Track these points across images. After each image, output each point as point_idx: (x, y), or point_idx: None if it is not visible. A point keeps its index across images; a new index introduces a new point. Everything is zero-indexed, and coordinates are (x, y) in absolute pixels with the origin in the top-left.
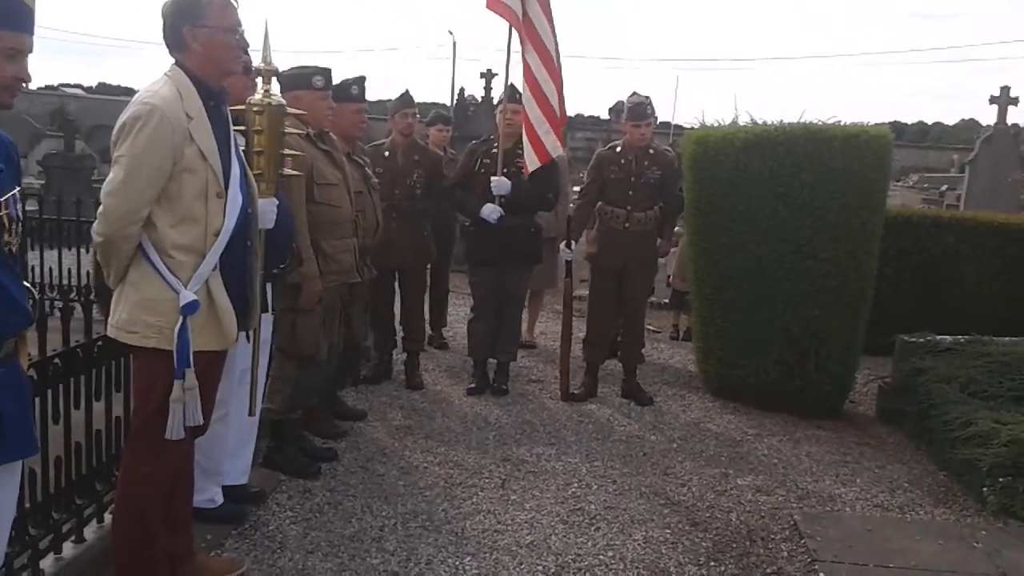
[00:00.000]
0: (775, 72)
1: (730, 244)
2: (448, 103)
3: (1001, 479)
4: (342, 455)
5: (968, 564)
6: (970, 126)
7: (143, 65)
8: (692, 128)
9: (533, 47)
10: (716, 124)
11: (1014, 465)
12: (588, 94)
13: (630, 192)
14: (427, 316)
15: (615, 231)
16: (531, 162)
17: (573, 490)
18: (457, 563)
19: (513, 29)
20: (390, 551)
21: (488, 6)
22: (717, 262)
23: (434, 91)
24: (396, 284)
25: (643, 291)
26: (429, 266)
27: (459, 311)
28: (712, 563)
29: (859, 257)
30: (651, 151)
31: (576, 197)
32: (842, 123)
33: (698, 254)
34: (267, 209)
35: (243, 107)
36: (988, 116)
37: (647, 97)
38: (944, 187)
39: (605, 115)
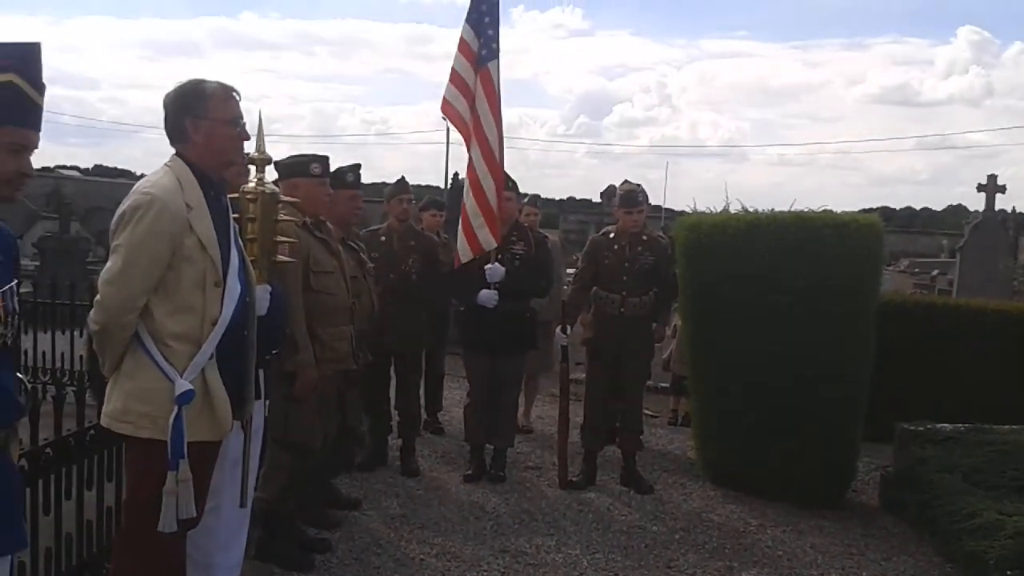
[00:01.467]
0: (761, 160)
1: (725, 332)
2: (442, 187)
3: (1009, 572)
4: (336, 546)
5: None
6: (958, 211)
7: (141, 148)
8: (685, 214)
9: (477, 142)
10: (709, 211)
11: (1020, 558)
12: (579, 178)
13: (624, 277)
14: (422, 400)
15: (610, 316)
16: (463, 253)
17: None
18: None
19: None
20: None
21: (442, 109)
22: (713, 349)
23: (427, 175)
24: (391, 369)
25: (640, 376)
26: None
27: (454, 394)
28: None
29: (853, 347)
30: (644, 237)
31: (571, 281)
32: (832, 211)
33: (694, 341)
34: (260, 296)
35: (236, 194)
36: (975, 202)
37: (639, 185)
38: (935, 272)
39: (596, 198)
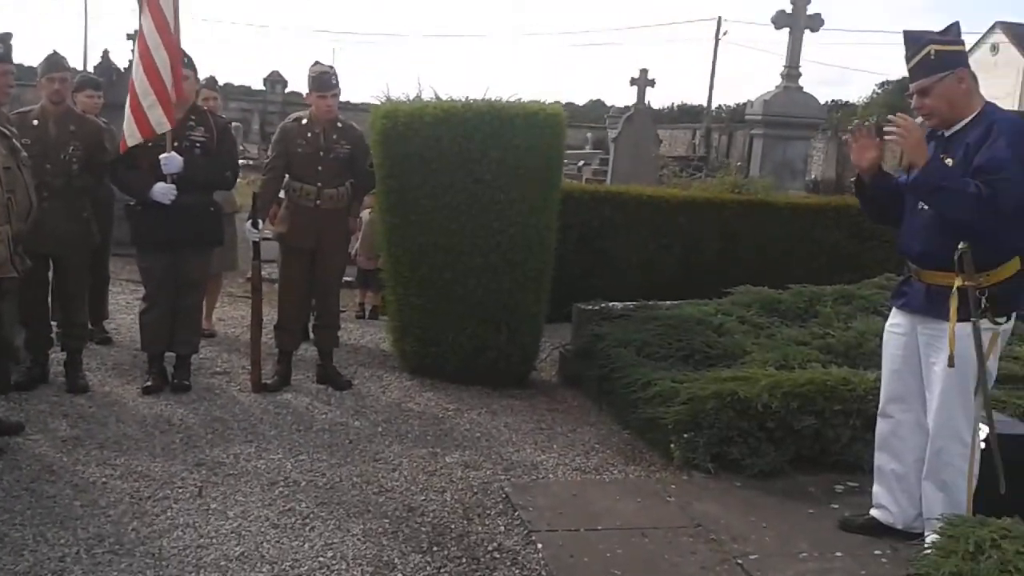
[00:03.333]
0: (431, 46)
1: (423, 221)
2: (82, 67)
3: (685, 435)
4: (0, 477)
5: (667, 519)
6: (598, 106)
7: None
8: (378, 103)
9: (148, 9)
10: (404, 99)
11: (694, 421)
12: (238, 62)
13: (320, 167)
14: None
15: (306, 209)
16: (131, 136)
17: (280, 490)
18: None
19: None
20: None
21: None
22: (411, 240)
23: (70, 54)
24: (50, 273)
25: (338, 271)
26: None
27: (119, 300)
28: (435, 548)
29: (541, 232)
30: (339, 124)
31: (262, 173)
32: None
33: (391, 231)
34: None
35: None
36: (614, 97)
37: (331, 67)
38: (581, 163)
39: (259, 85)
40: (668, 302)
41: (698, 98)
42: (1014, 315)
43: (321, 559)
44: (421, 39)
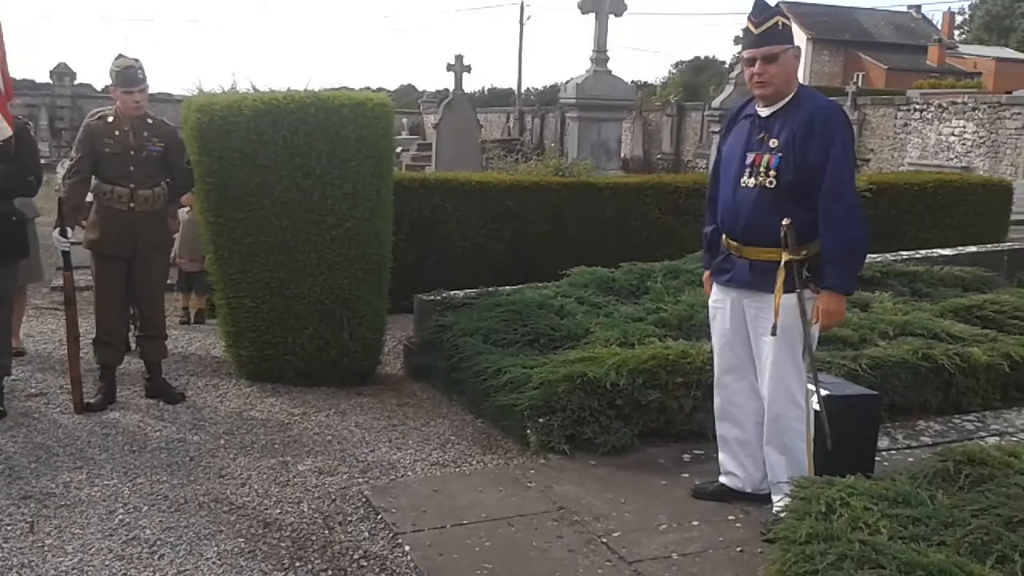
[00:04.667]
0: (228, 32)
1: (250, 219)
2: None
3: (540, 419)
4: None
5: (530, 505)
6: (410, 91)
7: None
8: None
9: None
10: (220, 91)
11: (547, 405)
12: (19, 54)
13: (131, 168)
14: None
15: (119, 213)
16: None
17: (120, 517)
18: None
19: None
20: None
21: None
22: (238, 239)
23: None
24: None
25: (160, 277)
26: None
27: None
28: (298, 563)
29: (377, 224)
30: (150, 120)
31: (66, 176)
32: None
33: (215, 232)
34: None
35: None
36: (426, 82)
37: (136, 60)
38: (399, 149)
39: (45, 77)
40: (509, 288)
41: (508, 82)
42: None
43: None
44: (216, 25)
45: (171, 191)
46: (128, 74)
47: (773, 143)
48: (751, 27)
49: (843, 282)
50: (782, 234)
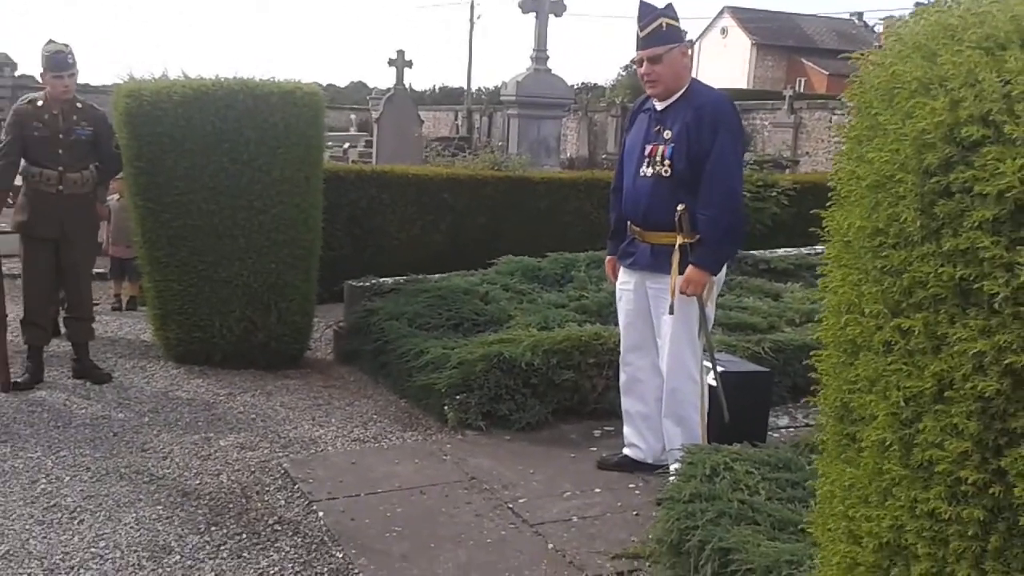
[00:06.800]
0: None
1: (179, 203)
2: None
3: (457, 397)
4: None
5: (443, 476)
6: (360, 88)
7: None
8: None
9: None
10: (150, 77)
11: (465, 383)
12: None
13: (60, 151)
14: None
15: (47, 195)
16: None
17: (42, 487)
18: None
19: None
20: None
21: None
22: (166, 223)
23: None
24: None
25: (87, 259)
26: None
27: None
28: (213, 527)
29: (306, 211)
30: (79, 105)
31: None
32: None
33: (144, 216)
34: None
35: None
36: (376, 79)
37: (66, 44)
38: (347, 145)
39: None
40: (437, 275)
41: (459, 80)
42: (725, 266)
43: (93, 550)
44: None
45: (100, 174)
46: (57, 59)
47: (667, 135)
48: (638, 30)
49: (709, 262)
50: (676, 219)
